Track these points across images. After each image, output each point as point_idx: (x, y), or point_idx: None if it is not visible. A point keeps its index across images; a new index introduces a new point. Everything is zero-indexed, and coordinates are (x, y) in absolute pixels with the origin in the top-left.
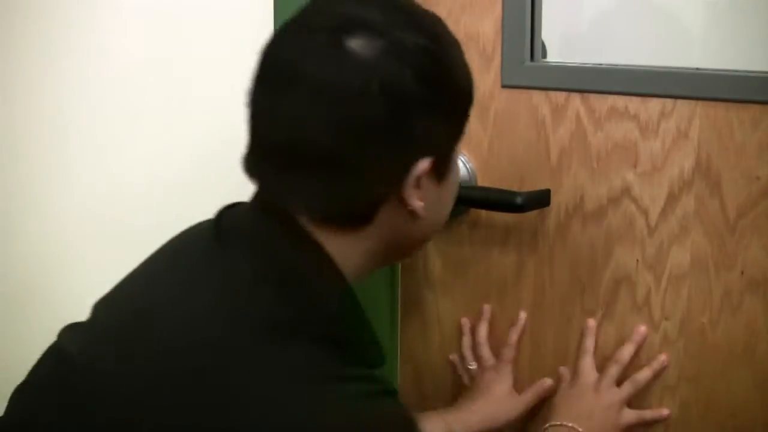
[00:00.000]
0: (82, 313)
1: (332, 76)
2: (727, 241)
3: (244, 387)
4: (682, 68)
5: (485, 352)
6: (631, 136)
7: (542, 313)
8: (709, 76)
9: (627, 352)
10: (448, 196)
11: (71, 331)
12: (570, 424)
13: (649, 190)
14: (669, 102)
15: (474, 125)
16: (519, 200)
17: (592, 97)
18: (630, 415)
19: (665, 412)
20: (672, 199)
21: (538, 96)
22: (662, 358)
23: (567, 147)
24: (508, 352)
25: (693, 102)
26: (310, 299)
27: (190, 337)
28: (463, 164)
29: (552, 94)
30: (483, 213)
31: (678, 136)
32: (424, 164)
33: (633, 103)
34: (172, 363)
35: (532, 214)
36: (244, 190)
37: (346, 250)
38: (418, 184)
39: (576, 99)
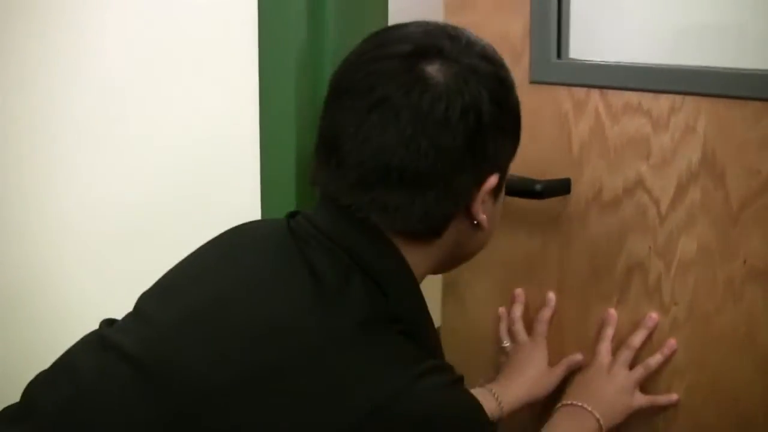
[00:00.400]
0: (82, 313)
1: (415, 100)
2: (730, 232)
3: (345, 374)
4: (690, 66)
5: (519, 327)
6: (644, 130)
7: (564, 297)
8: (713, 73)
9: (639, 337)
10: (500, 207)
11: (116, 326)
12: (580, 404)
13: (660, 181)
14: (678, 98)
15: None
16: (538, 187)
17: (610, 93)
18: (641, 399)
19: (674, 396)
20: (681, 190)
21: (562, 92)
22: (672, 342)
23: (587, 140)
24: (541, 327)
25: (699, 98)
26: (394, 297)
27: (287, 325)
28: None
29: (574, 90)
30: (514, 200)
31: (686, 131)
32: (493, 180)
33: (646, 99)
34: (270, 350)
35: (556, 203)
36: (241, 191)
37: (415, 258)
38: (483, 199)
39: (595, 95)
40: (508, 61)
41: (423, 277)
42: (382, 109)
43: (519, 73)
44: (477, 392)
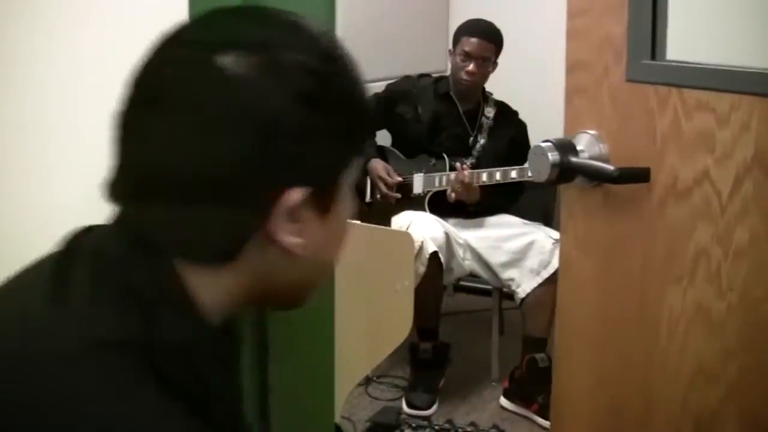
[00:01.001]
0: None
1: (197, 94)
2: None
3: (56, 404)
4: (746, 67)
5: None
6: (710, 126)
7: (645, 276)
8: (765, 75)
9: None
10: (336, 233)
11: None
12: None
13: (722, 173)
14: (737, 97)
15: (608, 110)
16: (615, 173)
17: (685, 91)
18: None
19: None
20: (737, 183)
21: (650, 90)
22: None
23: (667, 134)
24: None
25: (754, 98)
26: (158, 325)
27: (18, 346)
28: (597, 142)
29: (659, 88)
30: (611, 188)
31: (743, 128)
32: (295, 195)
33: (713, 98)
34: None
35: (643, 190)
36: None
37: (200, 283)
38: (293, 218)
39: (674, 93)
40: (612, 61)
41: (227, 307)
42: (164, 108)
43: (618, 72)
44: None
